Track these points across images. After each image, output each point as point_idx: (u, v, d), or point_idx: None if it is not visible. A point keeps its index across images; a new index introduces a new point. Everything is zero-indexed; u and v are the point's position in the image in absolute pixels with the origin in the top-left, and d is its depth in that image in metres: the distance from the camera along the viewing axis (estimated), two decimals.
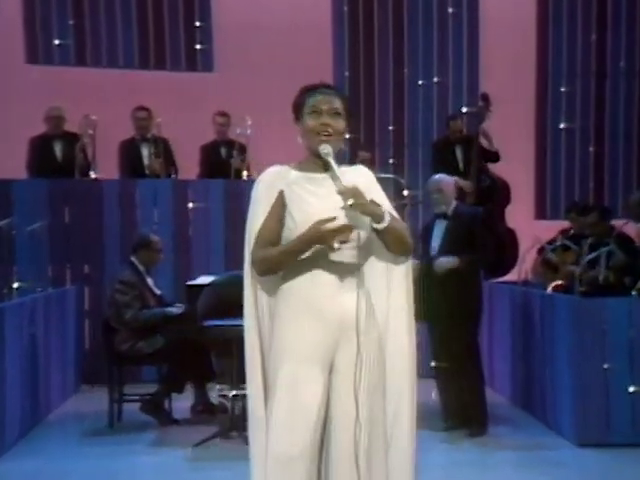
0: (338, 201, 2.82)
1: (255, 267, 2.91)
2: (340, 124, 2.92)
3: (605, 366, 5.60)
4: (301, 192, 2.92)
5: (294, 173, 2.95)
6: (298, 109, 2.96)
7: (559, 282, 7.50)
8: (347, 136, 2.98)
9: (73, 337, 7.75)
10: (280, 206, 2.93)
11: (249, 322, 2.98)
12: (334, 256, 2.86)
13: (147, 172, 8.46)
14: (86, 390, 7.71)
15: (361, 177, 2.96)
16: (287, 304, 2.91)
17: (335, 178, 2.85)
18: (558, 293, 6.92)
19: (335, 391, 2.87)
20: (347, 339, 2.88)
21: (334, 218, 2.79)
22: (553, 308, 6.15)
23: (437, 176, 6.20)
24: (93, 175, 8.34)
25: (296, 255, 2.86)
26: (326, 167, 2.92)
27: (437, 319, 5.85)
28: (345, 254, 2.86)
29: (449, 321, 5.80)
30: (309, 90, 2.96)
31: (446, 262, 5.80)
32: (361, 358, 2.85)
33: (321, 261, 2.88)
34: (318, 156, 2.91)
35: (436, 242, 5.99)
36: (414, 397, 3.01)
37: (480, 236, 5.94)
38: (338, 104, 2.93)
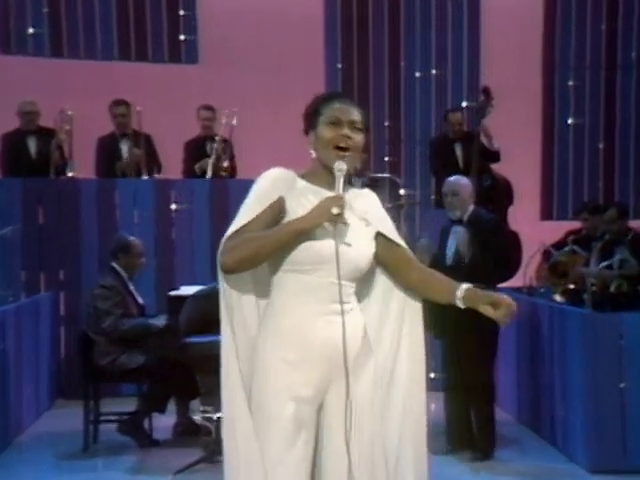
0: (361, 228, 2.77)
1: (224, 258, 2.66)
2: (359, 139, 2.77)
3: (621, 385, 5.36)
4: (306, 204, 2.71)
5: (301, 183, 2.78)
6: (311, 118, 2.79)
7: (570, 286, 7.33)
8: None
9: (47, 348, 7.52)
10: (276, 211, 2.72)
11: (226, 341, 2.77)
12: (323, 276, 2.66)
13: (122, 169, 8.18)
14: (61, 405, 7.48)
15: (370, 204, 2.85)
16: (272, 332, 2.71)
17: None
18: (568, 304, 6.71)
19: (325, 434, 2.72)
20: (338, 377, 2.70)
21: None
22: (563, 321, 5.91)
23: (453, 177, 5.92)
24: (70, 174, 8.08)
25: (277, 242, 2.65)
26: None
27: (449, 332, 5.59)
28: (334, 273, 2.67)
29: (462, 335, 5.51)
30: (326, 98, 2.81)
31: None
32: (350, 405, 2.67)
33: (308, 285, 2.68)
34: (330, 171, 2.73)
35: (451, 251, 5.70)
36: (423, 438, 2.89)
37: (500, 248, 5.65)
38: (358, 117, 2.79)
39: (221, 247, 2.68)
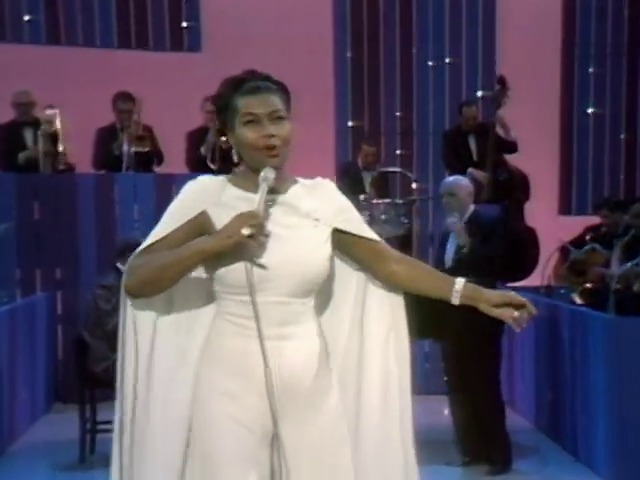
0: (279, 231, 2.42)
1: (125, 280, 2.44)
2: (285, 130, 2.43)
3: None
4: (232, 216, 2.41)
5: (231, 191, 2.47)
6: (225, 117, 2.47)
7: (588, 285, 7.20)
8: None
9: (44, 350, 7.39)
10: (196, 228, 2.42)
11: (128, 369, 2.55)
12: (265, 295, 2.39)
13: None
14: (59, 409, 7.34)
15: (323, 196, 2.52)
16: (212, 360, 2.45)
17: (260, 207, 2.37)
18: (588, 306, 6.56)
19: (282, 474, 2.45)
20: (292, 408, 2.43)
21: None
22: (585, 326, 5.75)
23: (450, 178, 5.82)
24: (60, 167, 7.95)
25: (180, 264, 2.36)
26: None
27: (449, 337, 5.44)
28: (280, 291, 2.40)
29: (464, 341, 5.34)
30: (235, 88, 2.45)
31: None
32: (310, 440, 2.43)
33: (248, 308, 2.40)
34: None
35: (449, 255, 5.57)
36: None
37: (494, 244, 5.49)
38: (278, 103, 2.43)
39: (126, 266, 2.46)
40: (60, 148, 7.97)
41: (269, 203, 2.43)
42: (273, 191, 2.43)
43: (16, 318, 6.54)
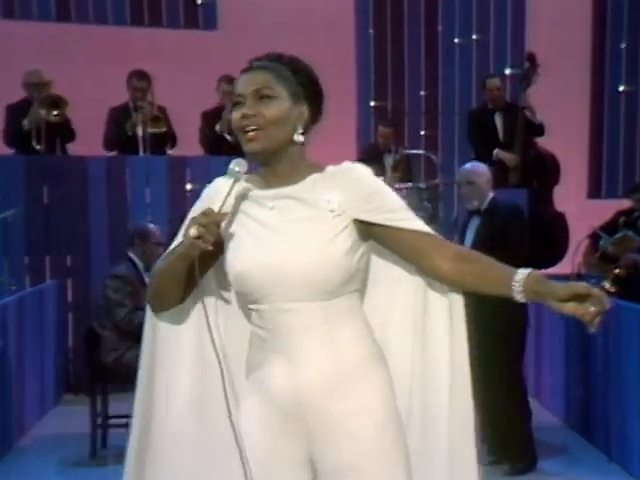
0: (281, 228, 2.22)
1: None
2: (270, 109, 2.22)
3: None
4: (239, 216, 2.28)
5: (238, 188, 2.28)
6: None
7: (618, 271, 7.04)
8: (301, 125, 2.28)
9: (54, 339, 7.32)
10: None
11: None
12: (270, 302, 2.20)
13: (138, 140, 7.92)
14: (69, 401, 7.27)
15: (348, 183, 2.27)
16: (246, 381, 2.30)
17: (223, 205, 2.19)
18: (619, 294, 6.39)
19: None
20: (319, 432, 2.22)
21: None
22: (619, 318, 5.57)
23: (468, 165, 5.68)
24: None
25: (168, 272, 2.25)
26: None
27: (472, 337, 5.29)
28: (284, 297, 2.20)
29: (484, 340, 5.16)
30: (242, 71, 2.32)
31: None
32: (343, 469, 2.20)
33: (260, 317, 2.24)
34: (260, 163, 2.29)
35: (468, 241, 5.43)
36: None
37: (514, 237, 5.35)
38: (266, 80, 2.25)
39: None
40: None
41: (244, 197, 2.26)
42: (281, 183, 2.25)
43: (25, 306, 6.47)
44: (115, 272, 6.05)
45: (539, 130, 8.28)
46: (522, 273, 2.15)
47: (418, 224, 2.26)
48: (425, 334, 2.31)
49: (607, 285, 7.11)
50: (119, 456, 5.81)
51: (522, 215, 5.56)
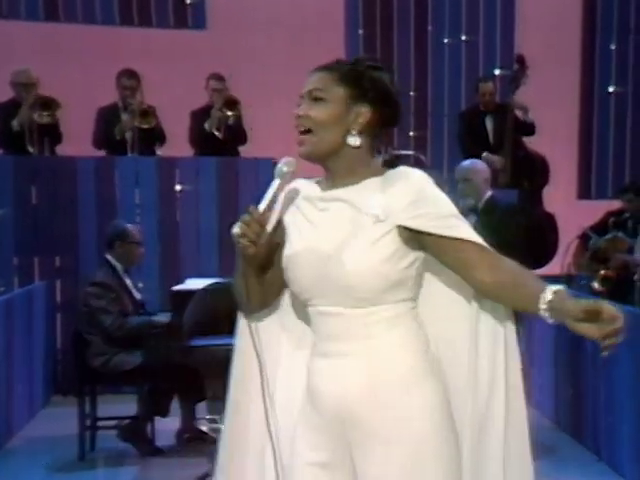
0: (323, 231, 2.21)
1: None
2: (318, 111, 2.21)
3: None
4: (298, 219, 2.28)
5: (308, 188, 2.31)
6: None
7: (607, 272, 7.07)
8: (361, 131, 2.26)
9: (42, 341, 7.29)
10: (278, 240, 2.30)
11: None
12: (316, 304, 2.21)
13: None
14: (58, 403, 7.24)
15: (399, 189, 2.20)
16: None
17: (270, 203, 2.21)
18: (610, 296, 6.41)
19: None
20: (358, 441, 2.21)
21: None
22: None
23: (466, 162, 5.68)
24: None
25: (241, 274, 2.26)
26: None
27: None
28: (326, 300, 2.20)
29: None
30: None
31: None
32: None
33: (311, 319, 2.26)
34: (322, 164, 2.29)
35: None
36: None
37: (511, 237, 5.34)
38: (321, 82, 2.23)
39: None
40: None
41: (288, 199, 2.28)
42: (337, 184, 2.24)
43: (14, 308, 6.44)
44: (95, 280, 5.98)
45: (530, 129, 8.30)
46: (551, 291, 2.06)
47: (464, 232, 2.18)
48: (478, 355, 2.25)
49: (596, 284, 7.15)
50: (108, 458, 5.88)
51: (520, 214, 5.57)
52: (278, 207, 2.24)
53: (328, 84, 2.23)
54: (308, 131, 2.22)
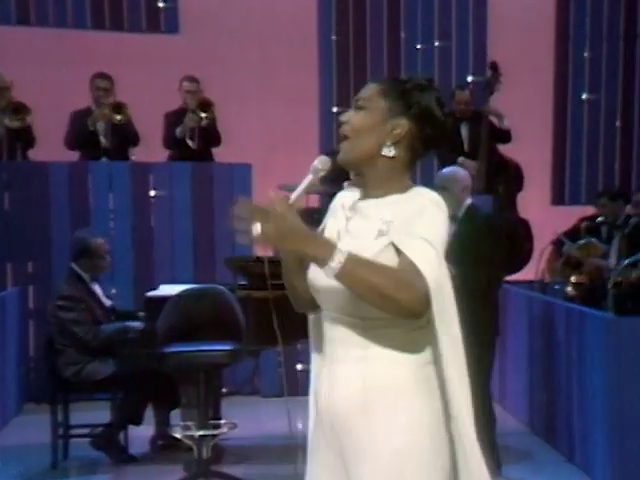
0: (344, 242, 2.22)
1: None
2: (355, 118, 2.29)
3: None
4: (330, 223, 2.37)
5: (350, 196, 2.38)
6: None
7: (579, 277, 7.11)
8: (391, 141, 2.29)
9: (15, 348, 7.21)
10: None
11: None
12: (320, 302, 2.29)
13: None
14: (31, 410, 7.17)
15: (406, 207, 2.24)
16: None
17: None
18: (582, 300, 6.47)
19: None
20: (347, 448, 2.26)
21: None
22: (583, 325, 5.62)
23: (446, 170, 5.65)
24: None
25: (284, 273, 2.38)
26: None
27: None
28: (328, 307, 2.27)
29: None
30: None
31: None
32: None
33: (324, 322, 2.33)
34: (357, 172, 2.37)
35: None
36: None
37: (488, 247, 5.35)
38: (368, 91, 2.32)
39: None
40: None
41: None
42: (367, 195, 2.31)
43: None
44: (62, 293, 5.92)
45: (506, 136, 8.33)
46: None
47: (413, 251, 2.15)
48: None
49: (570, 290, 7.20)
50: (81, 467, 5.84)
51: (499, 224, 5.57)
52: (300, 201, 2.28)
53: (373, 95, 2.30)
54: (346, 137, 2.30)
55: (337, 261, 2.07)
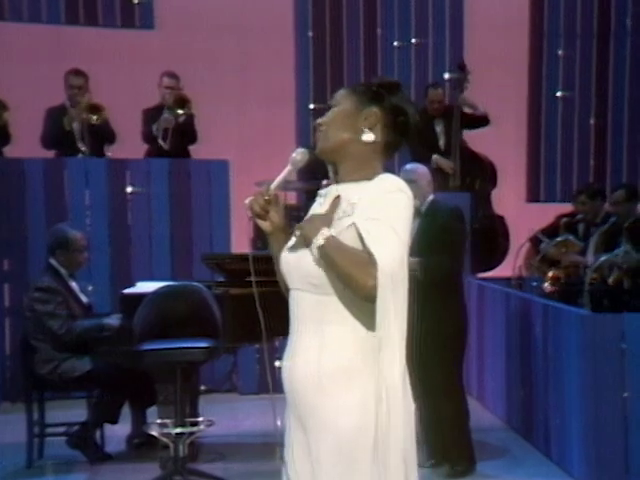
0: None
1: None
2: (332, 112, 2.47)
3: (624, 394, 5.03)
4: (309, 211, 2.58)
5: (328, 187, 2.59)
6: None
7: (556, 272, 7.10)
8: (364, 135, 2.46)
9: None
10: None
11: None
12: (289, 281, 2.42)
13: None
14: (6, 410, 7.09)
15: (372, 190, 2.38)
16: None
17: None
18: (559, 297, 6.45)
19: None
20: (304, 420, 2.40)
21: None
22: (559, 322, 5.62)
23: (409, 165, 5.62)
24: None
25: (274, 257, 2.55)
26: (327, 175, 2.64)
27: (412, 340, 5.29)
28: (291, 283, 2.43)
29: (425, 343, 5.16)
30: None
31: None
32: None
33: (290, 300, 2.48)
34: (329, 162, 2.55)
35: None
36: None
37: (453, 239, 5.34)
38: (338, 95, 2.51)
39: None
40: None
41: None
42: (340, 180, 2.45)
43: None
44: (39, 285, 5.82)
45: (483, 121, 8.31)
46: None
47: (369, 233, 2.28)
48: None
49: (547, 286, 7.19)
50: (56, 466, 5.77)
51: (462, 217, 5.54)
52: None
53: (344, 95, 2.48)
54: (319, 132, 2.47)
55: (321, 239, 2.28)
